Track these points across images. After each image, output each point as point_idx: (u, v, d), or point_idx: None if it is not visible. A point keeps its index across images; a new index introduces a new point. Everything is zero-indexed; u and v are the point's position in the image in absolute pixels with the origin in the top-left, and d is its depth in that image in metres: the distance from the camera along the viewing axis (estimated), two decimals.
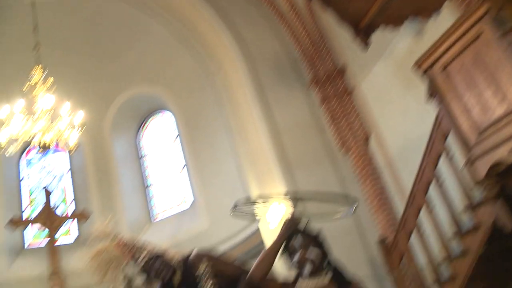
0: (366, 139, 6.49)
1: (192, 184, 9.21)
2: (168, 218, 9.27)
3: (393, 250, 5.24)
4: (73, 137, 7.42)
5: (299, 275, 2.75)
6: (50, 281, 7.63)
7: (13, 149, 7.14)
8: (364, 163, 6.38)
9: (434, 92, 3.73)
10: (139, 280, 3.16)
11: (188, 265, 3.06)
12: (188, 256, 3.12)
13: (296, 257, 2.71)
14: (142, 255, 2.98)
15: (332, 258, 2.78)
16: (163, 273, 2.98)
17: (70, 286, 7.84)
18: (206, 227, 8.13)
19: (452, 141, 4.02)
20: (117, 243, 3.06)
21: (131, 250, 3.03)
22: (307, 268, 2.67)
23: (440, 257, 4.57)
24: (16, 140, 7.08)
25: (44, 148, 7.00)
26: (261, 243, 7.29)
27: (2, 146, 7.07)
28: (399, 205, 5.88)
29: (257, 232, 7.41)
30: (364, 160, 6.40)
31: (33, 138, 7.00)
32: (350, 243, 5.81)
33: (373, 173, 6.33)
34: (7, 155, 7.61)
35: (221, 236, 7.69)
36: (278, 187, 6.54)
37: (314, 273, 2.69)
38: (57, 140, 7.10)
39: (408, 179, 5.34)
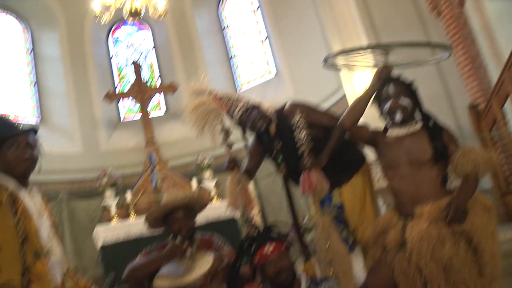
0: (461, 1, 6.02)
1: (276, 54, 9.19)
2: (253, 88, 9.42)
3: (485, 116, 5.10)
4: (161, 3, 7.49)
5: (390, 124, 2.76)
6: (146, 149, 8.19)
7: (106, 18, 7.37)
8: (458, 27, 5.94)
9: None
10: (236, 132, 3.28)
11: (283, 116, 3.12)
12: (283, 107, 3.17)
13: (388, 105, 2.70)
14: (239, 107, 3.07)
15: (424, 107, 2.75)
16: (259, 124, 3.05)
17: (163, 155, 8.43)
18: (290, 96, 8.16)
19: None
20: (214, 97, 3.16)
21: (227, 102, 3.12)
22: (398, 115, 2.66)
23: None
24: (108, 8, 7.28)
25: (135, 15, 7.17)
26: None
27: (97, 15, 7.31)
28: (494, 72, 5.58)
29: (342, 100, 7.43)
30: (458, 24, 5.96)
31: (123, 4, 7.16)
32: (438, 109, 5.65)
33: (467, 38, 5.92)
34: (102, 23, 7.85)
35: None
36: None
37: (405, 121, 2.68)
38: (146, 6, 7.23)
39: (506, 43, 5.02)
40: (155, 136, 8.45)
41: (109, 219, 7.05)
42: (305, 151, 2.98)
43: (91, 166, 8.15)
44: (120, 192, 7.77)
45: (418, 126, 2.70)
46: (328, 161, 3.03)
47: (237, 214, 3.26)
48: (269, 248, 2.47)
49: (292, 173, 3.17)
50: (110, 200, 7.41)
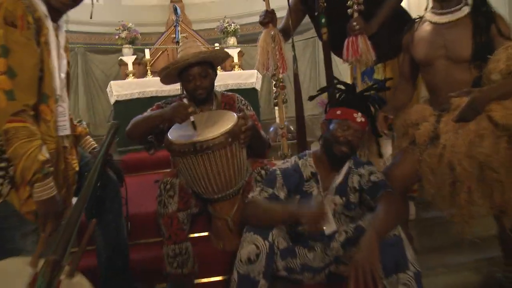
0: None
1: None
2: None
3: None
4: None
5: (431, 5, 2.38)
6: (170, 4, 7.62)
7: None
8: None
9: None
10: None
11: None
12: None
13: None
14: None
15: None
16: None
17: (188, 16, 8.00)
18: None
19: None
20: None
21: None
22: None
23: None
24: None
25: None
26: None
27: None
28: None
29: None
30: None
31: None
32: None
33: None
34: None
35: None
36: None
37: (448, 2, 2.27)
38: None
39: None
40: None
41: (126, 76, 6.79)
42: (354, 13, 2.60)
43: (111, 21, 7.75)
44: (138, 51, 7.46)
45: (463, 12, 2.24)
46: (378, 30, 2.69)
47: (268, 74, 2.88)
48: (361, 118, 2.15)
49: (334, 39, 2.80)
50: (128, 56, 7.10)
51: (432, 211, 2.83)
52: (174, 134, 2.33)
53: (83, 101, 7.58)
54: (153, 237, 2.77)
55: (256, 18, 2.97)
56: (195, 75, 2.51)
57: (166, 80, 2.65)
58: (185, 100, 2.46)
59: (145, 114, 2.51)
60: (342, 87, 2.31)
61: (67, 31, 6.23)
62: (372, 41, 2.66)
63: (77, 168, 2.06)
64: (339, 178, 2.19)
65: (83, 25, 7.74)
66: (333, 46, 2.84)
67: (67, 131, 1.95)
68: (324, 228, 2.12)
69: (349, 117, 2.14)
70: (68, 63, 2.06)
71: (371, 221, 1.93)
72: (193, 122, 2.28)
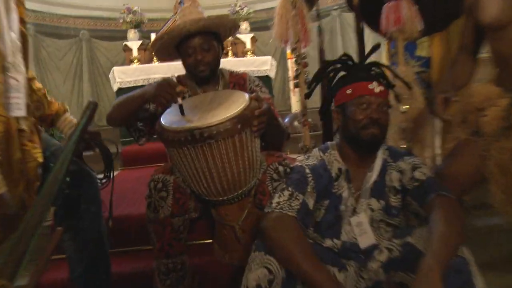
0: None
1: None
2: None
3: None
4: None
5: None
6: None
7: None
8: None
9: None
10: None
11: None
12: None
13: None
14: None
15: None
16: None
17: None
18: None
19: None
20: None
21: None
22: None
23: None
24: None
25: None
26: None
27: None
28: None
29: None
30: None
31: None
32: None
33: None
34: None
35: None
36: None
37: None
38: None
39: None
40: None
41: (130, 62, 6.48)
42: None
43: (116, 5, 7.42)
44: (144, 37, 7.14)
45: None
46: None
47: (286, 48, 2.40)
48: (379, 87, 1.66)
49: (367, 5, 2.30)
50: (133, 42, 6.76)
51: (486, 219, 2.33)
52: (168, 118, 1.85)
53: (87, 89, 7.34)
54: (147, 244, 2.29)
55: (270, 4, 2.48)
56: (195, 47, 2.03)
57: (161, 55, 2.18)
58: (173, 78, 1.98)
59: (129, 94, 2.03)
60: (337, 65, 1.79)
61: (71, 16, 5.84)
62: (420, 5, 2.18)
63: (40, 159, 1.59)
64: (373, 176, 1.69)
65: (88, 10, 7.55)
66: (367, 14, 2.35)
67: (22, 112, 1.48)
68: (359, 240, 1.64)
69: (364, 91, 1.65)
70: (22, 20, 1.57)
71: (429, 243, 1.41)
72: (180, 106, 1.80)
